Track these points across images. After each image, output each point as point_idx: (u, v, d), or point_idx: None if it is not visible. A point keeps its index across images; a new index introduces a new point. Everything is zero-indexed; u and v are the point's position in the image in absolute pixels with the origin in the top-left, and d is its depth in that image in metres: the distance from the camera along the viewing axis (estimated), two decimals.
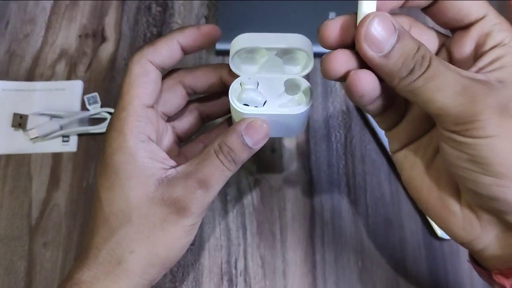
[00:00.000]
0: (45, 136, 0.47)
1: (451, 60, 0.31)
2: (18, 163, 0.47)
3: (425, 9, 0.30)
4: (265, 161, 0.48)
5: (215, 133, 0.40)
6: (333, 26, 0.29)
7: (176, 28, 0.53)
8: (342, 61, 0.28)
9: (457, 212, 0.30)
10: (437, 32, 0.32)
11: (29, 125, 0.47)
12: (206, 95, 0.40)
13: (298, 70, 0.35)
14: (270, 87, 0.35)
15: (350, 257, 0.44)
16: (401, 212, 0.46)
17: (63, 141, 0.48)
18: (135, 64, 0.34)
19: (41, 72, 0.51)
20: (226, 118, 0.41)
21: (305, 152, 0.48)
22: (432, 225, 0.44)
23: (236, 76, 0.34)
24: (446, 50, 0.31)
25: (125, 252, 0.32)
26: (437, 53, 0.32)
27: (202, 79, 0.37)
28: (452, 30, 0.31)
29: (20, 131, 0.48)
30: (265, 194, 0.47)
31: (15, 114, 0.48)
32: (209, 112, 0.40)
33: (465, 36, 0.29)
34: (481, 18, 0.29)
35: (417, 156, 0.32)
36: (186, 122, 0.39)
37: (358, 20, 0.27)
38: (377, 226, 0.45)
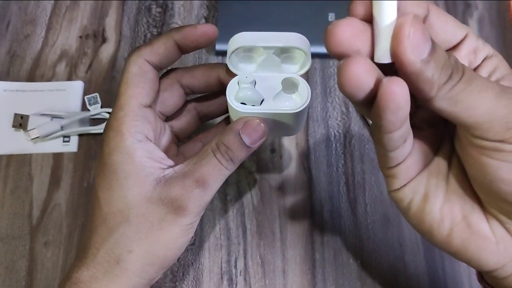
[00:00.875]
0: (46, 136, 0.47)
1: None
2: (19, 163, 0.47)
3: None
4: (264, 161, 0.48)
5: (213, 132, 0.40)
6: (345, 29, 0.24)
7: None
8: (368, 69, 0.24)
9: (489, 235, 0.28)
10: (456, 25, 0.29)
11: (30, 125, 0.48)
12: (204, 94, 0.40)
13: (296, 69, 0.35)
14: (267, 86, 0.35)
15: (349, 255, 0.44)
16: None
17: (64, 141, 0.48)
18: (132, 64, 0.34)
19: (42, 72, 0.51)
20: (225, 117, 0.41)
21: (304, 152, 0.48)
22: None
23: (234, 75, 0.35)
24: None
25: (123, 252, 0.32)
26: None
27: (199, 79, 0.37)
28: None
29: (21, 132, 0.48)
30: (264, 194, 0.47)
31: (16, 115, 0.48)
32: (207, 111, 0.40)
33: (457, 56, 0.27)
34: (465, 37, 0.28)
35: (430, 185, 0.29)
36: (184, 121, 0.39)
37: (379, 23, 0.24)
38: (375, 224, 0.45)
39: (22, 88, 0.50)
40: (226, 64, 0.35)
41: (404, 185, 0.29)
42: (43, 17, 0.54)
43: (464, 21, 0.55)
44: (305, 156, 0.48)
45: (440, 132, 0.30)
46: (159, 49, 0.34)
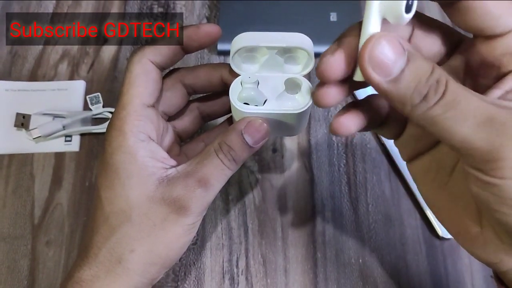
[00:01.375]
0: (47, 136, 0.47)
1: (466, 68, 0.28)
2: (21, 163, 0.47)
3: (445, 7, 0.26)
4: (266, 160, 0.48)
5: (216, 132, 0.40)
6: (335, 63, 0.26)
7: None
8: (334, 97, 0.28)
9: (478, 235, 0.27)
10: (447, 31, 0.28)
11: (31, 125, 0.48)
12: (207, 94, 0.40)
13: (299, 69, 0.35)
14: (270, 86, 0.35)
15: (351, 254, 0.44)
16: (401, 210, 0.46)
17: (66, 140, 0.48)
18: (135, 63, 0.33)
19: (44, 72, 0.52)
20: (227, 117, 0.41)
21: (306, 151, 0.49)
22: (433, 224, 0.45)
23: (237, 75, 0.35)
24: (461, 57, 0.28)
25: (125, 251, 0.32)
26: (448, 58, 0.29)
27: (202, 79, 0.37)
28: (474, 35, 0.26)
29: (23, 131, 0.48)
30: (266, 193, 0.47)
31: (18, 114, 0.48)
32: (209, 111, 0.40)
33: (487, 47, 0.26)
34: (508, 32, 0.25)
35: (430, 171, 0.30)
36: (186, 121, 0.39)
37: (361, 42, 0.24)
38: (377, 224, 0.45)
39: (24, 87, 0.50)
40: (229, 64, 0.35)
41: (410, 161, 0.32)
42: (45, 17, 0.54)
43: None
44: (307, 156, 0.48)
45: None
46: (162, 49, 0.34)
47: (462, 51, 0.28)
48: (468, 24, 0.25)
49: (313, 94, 0.28)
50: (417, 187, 0.32)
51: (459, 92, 0.23)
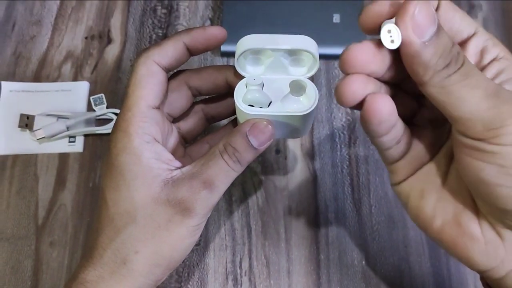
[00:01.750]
0: (51, 137, 0.47)
1: None
2: (25, 164, 0.48)
3: None
4: (269, 161, 0.48)
5: (220, 134, 0.40)
6: (361, 52, 0.27)
7: (181, 29, 0.53)
8: (360, 85, 0.27)
9: (479, 236, 0.28)
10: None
11: (35, 125, 0.48)
12: (211, 96, 0.40)
13: (304, 71, 0.35)
14: (275, 88, 0.35)
15: (354, 255, 0.44)
16: (404, 211, 0.46)
17: (70, 141, 0.48)
18: (141, 65, 0.34)
19: (48, 73, 0.52)
20: (232, 119, 0.41)
21: (309, 153, 0.49)
22: None
23: (242, 77, 0.35)
24: None
25: (130, 252, 0.32)
26: None
27: (207, 80, 0.37)
28: None
29: (27, 132, 0.48)
30: (269, 194, 0.47)
31: (22, 115, 0.48)
32: (214, 113, 0.40)
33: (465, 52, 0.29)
34: (473, 35, 0.28)
35: (426, 183, 0.30)
36: (191, 123, 0.40)
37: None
38: (380, 225, 0.46)
39: (28, 88, 0.50)
40: (234, 66, 0.35)
41: (403, 180, 0.31)
42: (49, 18, 0.54)
43: None
44: (310, 157, 0.48)
45: (442, 132, 0.31)
46: (168, 51, 0.34)
47: None
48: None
49: (336, 87, 0.27)
50: (408, 205, 0.31)
51: (472, 67, 0.25)
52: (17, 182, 0.47)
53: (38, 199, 0.46)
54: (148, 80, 0.33)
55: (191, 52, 0.35)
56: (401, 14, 0.25)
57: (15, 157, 0.48)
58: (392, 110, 0.27)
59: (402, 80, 0.28)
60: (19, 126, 0.48)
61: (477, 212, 0.28)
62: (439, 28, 0.25)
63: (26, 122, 0.48)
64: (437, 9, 0.27)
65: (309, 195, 0.47)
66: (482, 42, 0.28)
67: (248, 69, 0.35)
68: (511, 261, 0.27)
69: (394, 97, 0.28)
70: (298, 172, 0.48)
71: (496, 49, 0.28)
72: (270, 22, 0.53)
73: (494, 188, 0.25)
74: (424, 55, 0.25)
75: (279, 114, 0.33)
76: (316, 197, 0.47)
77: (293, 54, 0.34)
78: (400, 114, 0.28)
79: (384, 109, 0.26)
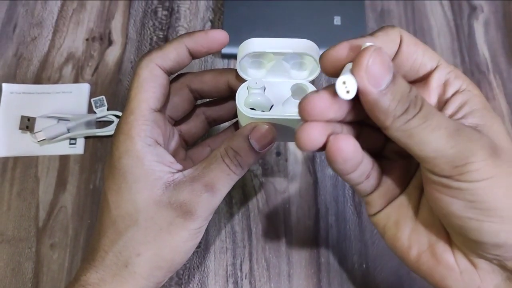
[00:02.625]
0: (52, 139, 0.47)
1: None
2: (26, 166, 0.48)
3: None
4: (270, 164, 0.48)
5: (222, 137, 0.40)
6: (318, 101, 0.27)
7: (182, 31, 0.53)
8: (318, 132, 0.27)
9: (453, 266, 0.29)
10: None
11: (36, 127, 0.48)
12: (213, 99, 0.40)
13: (305, 75, 0.35)
14: (277, 91, 0.35)
15: (354, 259, 0.44)
16: None
17: (70, 143, 0.48)
18: (143, 68, 0.34)
19: (49, 75, 0.52)
20: (233, 122, 0.41)
21: (309, 155, 0.49)
22: None
23: (243, 80, 0.35)
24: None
25: (132, 255, 0.32)
26: None
27: (209, 84, 0.37)
28: (414, 83, 0.30)
29: (28, 134, 0.48)
30: (270, 197, 0.47)
31: (22, 117, 0.48)
32: (215, 116, 0.40)
33: (427, 88, 0.30)
34: (436, 68, 0.29)
35: (400, 214, 0.31)
36: (192, 126, 0.40)
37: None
38: None
39: (28, 90, 0.50)
40: (235, 70, 0.35)
41: (379, 211, 0.32)
42: (50, 20, 0.55)
43: (469, 24, 0.55)
44: (311, 159, 0.48)
45: (411, 163, 0.32)
46: (170, 54, 0.34)
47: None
48: (407, 70, 0.29)
49: (296, 134, 0.27)
50: (386, 235, 0.32)
51: (432, 108, 0.26)
52: (18, 184, 0.47)
53: (39, 201, 0.46)
54: (150, 84, 0.33)
55: (193, 55, 0.35)
56: (356, 65, 0.25)
57: (16, 159, 0.48)
58: (356, 148, 0.27)
59: (366, 117, 0.28)
60: (20, 128, 0.48)
61: (450, 242, 0.29)
62: (395, 76, 0.25)
63: (27, 124, 0.48)
64: (399, 44, 0.28)
65: (309, 198, 0.47)
66: (445, 75, 0.29)
67: (250, 72, 0.35)
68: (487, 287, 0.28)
69: (359, 133, 0.30)
70: (298, 175, 0.48)
71: (458, 81, 0.29)
72: (270, 24, 0.53)
73: (464, 221, 0.26)
74: (382, 103, 0.25)
75: (281, 118, 0.33)
76: (316, 200, 0.47)
77: (294, 57, 0.34)
78: (369, 149, 0.30)
79: (347, 148, 0.27)
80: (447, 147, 0.25)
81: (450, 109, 0.28)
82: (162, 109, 0.35)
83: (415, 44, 0.29)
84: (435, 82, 0.29)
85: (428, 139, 0.25)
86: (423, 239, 0.30)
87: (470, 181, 0.25)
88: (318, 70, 0.34)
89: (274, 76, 0.35)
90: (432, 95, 0.30)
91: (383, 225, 0.32)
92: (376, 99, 0.25)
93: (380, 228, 0.32)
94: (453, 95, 0.29)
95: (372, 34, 0.28)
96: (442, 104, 0.29)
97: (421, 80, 0.30)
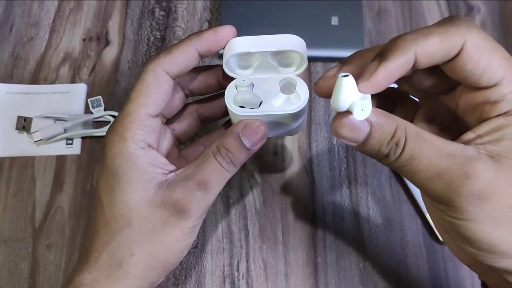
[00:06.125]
0: (49, 139, 0.47)
1: (458, 107, 0.31)
2: (22, 166, 0.47)
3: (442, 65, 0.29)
4: (267, 164, 0.48)
5: (215, 135, 0.40)
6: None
7: (179, 32, 0.53)
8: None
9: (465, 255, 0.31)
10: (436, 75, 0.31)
11: (33, 127, 0.48)
12: (205, 96, 0.40)
13: (293, 69, 0.35)
14: (265, 87, 0.35)
15: (351, 258, 0.44)
16: (402, 214, 0.46)
17: (67, 144, 0.48)
18: (149, 72, 0.33)
19: (45, 75, 0.52)
20: (226, 120, 0.41)
21: (307, 155, 0.49)
22: (434, 228, 0.45)
23: (231, 79, 0.35)
24: (456, 96, 0.31)
25: (125, 255, 0.32)
26: (449, 92, 0.32)
27: (199, 81, 0.37)
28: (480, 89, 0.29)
29: (24, 134, 0.48)
30: (267, 197, 0.47)
31: (19, 117, 0.48)
32: (208, 114, 0.40)
33: (472, 96, 0.29)
34: (491, 86, 0.28)
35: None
36: (185, 124, 0.39)
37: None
38: (378, 228, 0.45)
39: (25, 90, 0.50)
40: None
41: None
42: (47, 20, 0.54)
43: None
44: (308, 160, 0.48)
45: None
46: (179, 58, 0.33)
47: (458, 91, 0.31)
48: (458, 77, 0.29)
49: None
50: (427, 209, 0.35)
51: (415, 150, 0.28)
52: (14, 185, 0.47)
53: (35, 202, 0.46)
54: (154, 89, 0.33)
55: (202, 55, 0.34)
56: (332, 129, 0.29)
57: (13, 160, 0.48)
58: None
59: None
60: (17, 128, 0.48)
61: None
62: (375, 125, 0.28)
63: (24, 124, 0.48)
64: (463, 47, 0.27)
65: (306, 198, 0.47)
66: (498, 96, 0.28)
67: (237, 70, 0.35)
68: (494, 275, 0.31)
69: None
70: (295, 175, 0.48)
71: (510, 104, 0.28)
72: (268, 24, 0.53)
73: (456, 239, 0.30)
74: (365, 150, 0.29)
75: (270, 114, 0.33)
76: (313, 200, 0.47)
77: (281, 53, 0.34)
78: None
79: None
80: (430, 188, 0.28)
81: (482, 129, 0.28)
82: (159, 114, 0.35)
83: (477, 56, 0.27)
84: (483, 96, 0.28)
85: (413, 178, 0.28)
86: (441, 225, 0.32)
87: (453, 218, 0.28)
88: (305, 64, 0.34)
89: (262, 72, 0.35)
90: (474, 104, 0.29)
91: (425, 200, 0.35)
92: (358, 149, 0.29)
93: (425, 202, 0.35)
94: (495, 116, 0.28)
95: (434, 26, 0.28)
96: (482, 119, 0.29)
97: (480, 89, 0.28)
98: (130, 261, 0.32)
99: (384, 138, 0.28)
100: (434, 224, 0.33)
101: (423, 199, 0.35)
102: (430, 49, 0.27)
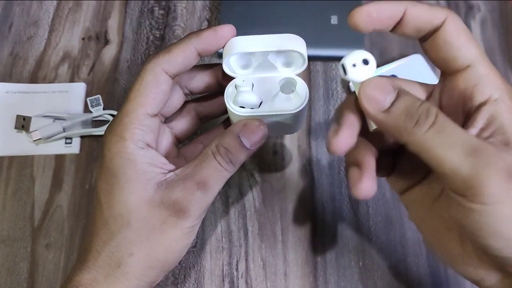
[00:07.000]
0: (48, 138, 0.47)
1: (440, 107, 0.31)
2: (21, 165, 0.47)
3: (421, 42, 0.30)
4: (266, 163, 0.48)
5: (214, 133, 0.39)
6: (340, 142, 0.30)
7: (178, 31, 0.53)
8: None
9: (461, 255, 0.29)
10: (421, 84, 0.32)
11: (32, 127, 0.48)
12: (203, 95, 0.39)
13: (293, 69, 0.35)
14: (265, 87, 0.35)
15: (351, 257, 0.44)
16: (402, 212, 0.46)
17: (66, 143, 0.48)
18: (148, 72, 0.33)
19: (44, 74, 0.52)
20: (225, 118, 0.40)
21: (306, 154, 0.48)
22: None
23: (231, 78, 0.34)
24: (433, 98, 0.31)
25: (124, 255, 0.32)
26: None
27: (198, 80, 0.37)
28: (442, 73, 0.31)
29: (23, 133, 0.48)
30: (266, 196, 0.47)
31: (18, 116, 0.48)
32: (207, 112, 0.40)
33: (453, 85, 0.30)
34: (468, 66, 0.29)
35: (419, 200, 0.33)
36: (184, 122, 0.39)
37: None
38: (377, 226, 0.45)
39: (24, 89, 0.50)
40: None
41: (402, 193, 0.35)
42: (46, 19, 0.54)
43: (466, 23, 0.55)
44: (307, 158, 0.48)
45: None
46: (178, 58, 0.33)
47: (434, 93, 0.31)
48: (437, 58, 0.29)
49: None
50: (408, 213, 0.34)
51: (448, 122, 0.26)
52: (13, 184, 0.47)
53: (34, 201, 0.46)
54: (152, 89, 0.33)
55: (201, 55, 0.34)
56: (358, 96, 0.28)
57: (11, 159, 0.48)
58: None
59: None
60: (16, 128, 0.48)
61: (460, 235, 0.30)
62: (401, 93, 0.27)
63: (23, 123, 0.48)
64: (440, 28, 0.28)
65: (306, 197, 0.47)
66: (475, 78, 0.28)
67: (237, 70, 0.35)
68: (490, 280, 0.29)
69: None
70: (295, 174, 0.48)
71: (489, 89, 0.28)
72: (267, 23, 0.53)
73: (473, 236, 0.27)
74: (388, 121, 0.27)
75: (271, 114, 0.33)
76: (313, 199, 0.47)
77: (281, 52, 0.34)
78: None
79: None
80: (463, 167, 0.25)
81: (477, 126, 0.28)
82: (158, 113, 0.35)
83: (456, 33, 0.28)
84: (462, 82, 0.29)
85: (445, 156, 0.26)
86: (435, 228, 0.31)
87: (481, 204, 0.25)
88: (305, 64, 0.34)
89: (261, 71, 0.35)
90: (455, 94, 0.29)
91: (405, 205, 0.34)
92: (383, 119, 0.27)
93: (404, 205, 0.34)
94: (481, 105, 0.28)
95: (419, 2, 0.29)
96: (467, 109, 0.29)
97: (452, 74, 0.30)
98: (129, 261, 0.32)
99: (413, 102, 0.27)
100: (439, 238, 0.31)
101: (420, 229, 0.33)
102: (417, 11, 0.28)
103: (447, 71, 0.30)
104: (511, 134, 0.27)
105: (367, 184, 0.30)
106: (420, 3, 0.29)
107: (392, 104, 0.27)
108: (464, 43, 0.28)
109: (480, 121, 0.28)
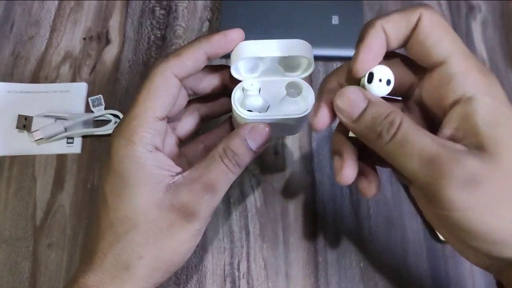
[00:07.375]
0: (49, 138, 0.47)
1: (421, 102, 0.32)
2: (23, 165, 0.47)
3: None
4: (268, 163, 0.48)
5: (215, 134, 0.40)
6: (320, 120, 0.32)
7: (179, 31, 0.53)
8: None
9: (462, 248, 0.30)
10: (413, 67, 0.32)
11: (33, 126, 0.48)
12: (206, 95, 0.40)
13: (299, 72, 0.35)
14: (272, 90, 0.35)
15: (352, 258, 0.44)
16: (403, 213, 0.46)
17: (68, 142, 0.48)
18: (158, 75, 0.33)
19: (46, 74, 0.52)
20: (226, 118, 0.40)
21: (307, 154, 0.49)
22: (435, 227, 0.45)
23: (238, 81, 0.35)
24: (419, 90, 0.32)
25: (132, 258, 0.32)
26: (411, 91, 0.33)
27: (203, 81, 0.37)
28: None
29: (25, 133, 0.48)
30: (268, 196, 0.47)
31: (19, 116, 0.48)
32: (209, 112, 0.40)
33: (430, 81, 0.30)
34: (442, 63, 0.29)
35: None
36: (186, 123, 0.39)
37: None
38: (379, 227, 0.46)
39: (26, 89, 0.50)
40: (229, 67, 0.35)
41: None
42: (47, 19, 0.54)
43: (467, 23, 0.55)
44: (309, 159, 0.48)
45: None
46: (188, 61, 0.33)
47: (420, 87, 0.32)
48: (412, 56, 0.31)
49: (337, 179, 0.32)
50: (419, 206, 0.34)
51: (409, 133, 0.27)
52: (15, 183, 0.47)
53: (36, 201, 0.46)
54: (162, 93, 0.33)
55: (210, 58, 0.34)
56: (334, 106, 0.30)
57: (13, 158, 0.48)
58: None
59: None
60: (17, 127, 0.48)
61: None
62: (370, 104, 0.29)
63: (24, 123, 0.48)
64: (416, 25, 0.29)
65: (307, 197, 0.47)
66: (449, 75, 0.29)
67: (244, 73, 0.35)
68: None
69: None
70: (296, 174, 0.48)
71: (463, 87, 0.28)
72: (268, 23, 0.53)
73: (454, 234, 0.28)
74: (357, 130, 0.30)
75: (278, 118, 0.33)
76: (314, 199, 0.47)
77: (288, 57, 0.34)
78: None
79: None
80: (420, 174, 0.27)
81: (450, 126, 0.28)
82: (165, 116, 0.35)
83: (429, 29, 0.29)
84: (437, 78, 0.29)
85: (404, 164, 0.27)
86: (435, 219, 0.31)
87: (448, 211, 0.26)
88: (312, 68, 0.34)
89: (268, 75, 0.35)
90: (433, 90, 0.30)
91: (414, 194, 0.33)
92: (352, 128, 0.30)
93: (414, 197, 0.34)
94: (454, 103, 0.28)
95: (391, 13, 0.30)
96: (443, 106, 0.29)
97: (432, 70, 0.30)
98: (137, 264, 0.32)
99: (380, 114, 0.28)
100: (436, 227, 0.32)
101: (419, 205, 0.33)
102: (392, 23, 0.29)
103: (427, 68, 0.30)
104: (484, 135, 0.27)
105: (347, 171, 0.32)
106: (390, 14, 0.30)
107: (361, 114, 0.29)
108: (437, 39, 0.29)
109: (452, 121, 0.28)
